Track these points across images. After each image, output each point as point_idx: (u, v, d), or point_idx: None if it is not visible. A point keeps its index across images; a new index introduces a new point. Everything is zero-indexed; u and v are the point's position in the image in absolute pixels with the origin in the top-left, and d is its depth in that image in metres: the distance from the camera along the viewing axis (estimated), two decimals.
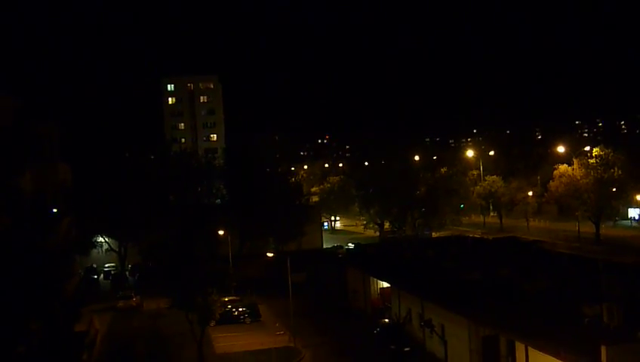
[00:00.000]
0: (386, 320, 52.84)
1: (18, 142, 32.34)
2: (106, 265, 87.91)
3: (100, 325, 59.31)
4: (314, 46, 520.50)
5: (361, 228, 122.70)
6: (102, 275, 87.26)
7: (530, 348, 34.68)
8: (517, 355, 37.44)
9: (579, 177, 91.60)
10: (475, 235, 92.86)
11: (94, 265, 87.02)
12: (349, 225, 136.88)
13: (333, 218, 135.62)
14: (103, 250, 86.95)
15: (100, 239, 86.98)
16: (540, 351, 32.86)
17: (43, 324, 18.02)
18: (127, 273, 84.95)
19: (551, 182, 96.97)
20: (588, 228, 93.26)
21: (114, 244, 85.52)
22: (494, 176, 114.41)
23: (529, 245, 71.95)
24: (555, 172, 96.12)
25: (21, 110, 37.76)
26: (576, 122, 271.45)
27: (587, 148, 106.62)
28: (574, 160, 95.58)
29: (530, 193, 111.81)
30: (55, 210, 44.45)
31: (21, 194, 18.33)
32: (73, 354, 41.17)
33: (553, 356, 31.35)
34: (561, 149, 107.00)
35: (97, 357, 48.57)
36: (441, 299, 44.42)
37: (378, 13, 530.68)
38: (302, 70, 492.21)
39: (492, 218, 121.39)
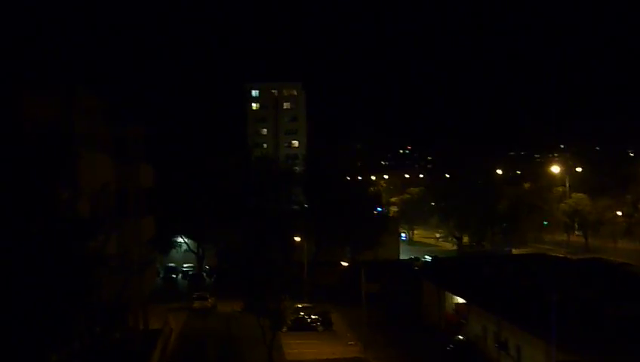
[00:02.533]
0: (460, 337, 51.47)
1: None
2: (185, 265, 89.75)
3: (175, 324, 60.40)
4: (400, 55, 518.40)
5: (440, 241, 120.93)
6: (180, 275, 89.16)
7: None
8: None
9: None
10: (558, 254, 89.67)
11: (173, 265, 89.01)
12: (427, 237, 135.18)
13: (409, 230, 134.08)
14: (182, 250, 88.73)
15: (180, 239, 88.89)
16: None
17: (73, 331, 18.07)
18: (204, 274, 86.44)
19: None
20: None
21: (192, 245, 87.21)
22: (581, 194, 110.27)
23: (616, 267, 68.80)
24: None
25: (107, 111, 38.93)
26: None
27: None
28: None
29: (619, 213, 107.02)
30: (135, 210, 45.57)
31: (56, 199, 18.60)
32: (146, 351, 42.18)
33: None
34: None
35: (170, 356, 49.35)
36: (518, 319, 42.86)
37: (467, 20, 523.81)
38: (387, 80, 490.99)
39: (577, 237, 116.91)
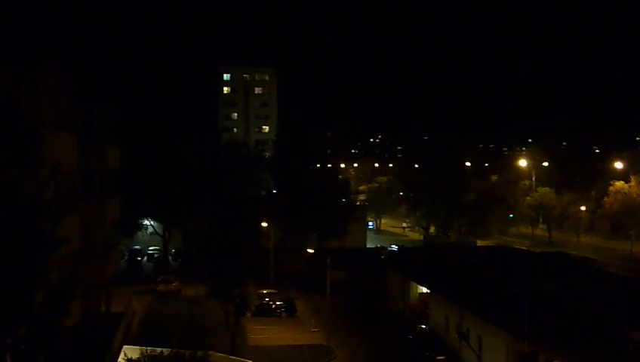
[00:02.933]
0: (423, 326, 51.93)
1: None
2: (150, 248, 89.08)
3: (138, 307, 59.93)
4: (373, 44, 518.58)
5: (407, 231, 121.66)
6: (145, 258, 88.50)
7: None
8: None
9: (635, 195, 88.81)
10: (522, 247, 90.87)
11: (139, 247, 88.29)
12: (395, 226, 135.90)
13: (377, 219, 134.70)
14: (148, 233, 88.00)
15: (146, 222, 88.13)
16: None
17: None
18: (169, 257, 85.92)
19: (605, 198, 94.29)
20: None
21: (159, 228, 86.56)
22: (546, 188, 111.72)
23: (578, 262, 69.94)
24: (610, 188, 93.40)
25: (73, 91, 38.18)
26: (637, 138, 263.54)
27: None
28: (632, 177, 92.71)
29: (583, 208, 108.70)
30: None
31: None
32: (107, 334, 41.76)
33: None
34: (618, 165, 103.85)
35: (132, 339, 48.90)
36: (480, 310, 43.37)
37: (441, 18, 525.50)
38: (360, 68, 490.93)
39: (541, 231, 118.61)
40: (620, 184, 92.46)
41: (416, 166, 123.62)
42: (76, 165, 39.29)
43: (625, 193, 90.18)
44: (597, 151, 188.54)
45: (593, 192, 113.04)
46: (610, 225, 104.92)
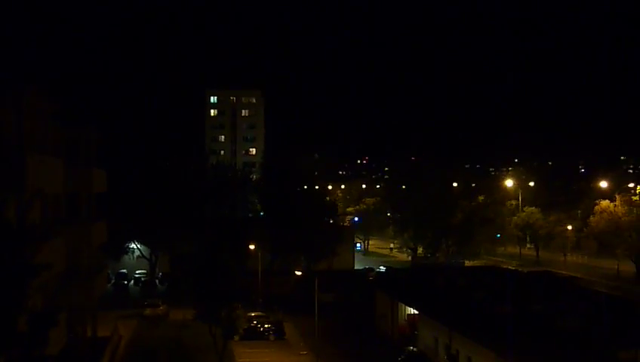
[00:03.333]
0: (412, 348, 51.66)
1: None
2: (137, 272, 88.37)
3: (124, 331, 59.31)
4: (360, 67, 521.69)
5: (395, 252, 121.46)
6: (132, 281, 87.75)
7: None
8: None
9: (620, 214, 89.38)
10: (510, 267, 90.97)
11: (125, 271, 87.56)
12: (382, 248, 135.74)
13: (365, 240, 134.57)
14: (135, 256, 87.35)
15: (133, 245, 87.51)
16: None
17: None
18: (157, 281, 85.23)
19: (591, 218, 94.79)
20: (628, 266, 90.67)
21: (145, 251, 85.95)
22: (533, 208, 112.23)
23: (565, 281, 70.04)
24: (596, 207, 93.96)
25: (59, 114, 38.03)
26: (622, 158, 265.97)
27: (631, 185, 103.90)
28: (617, 196, 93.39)
29: (569, 227, 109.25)
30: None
31: None
32: (93, 359, 41.26)
33: None
34: (603, 184, 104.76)
35: None
36: (469, 331, 43.23)
37: (425, 40, 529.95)
38: (346, 91, 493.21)
39: (528, 250, 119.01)
40: (605, 203, 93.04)
41: (404, 187, 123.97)
42: (62, 188, 39.04)
43: (610, 212, 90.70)
44: (582, 170, 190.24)
45: (579, 211, 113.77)
46: (596, 244, 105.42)
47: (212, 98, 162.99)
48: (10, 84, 30.72)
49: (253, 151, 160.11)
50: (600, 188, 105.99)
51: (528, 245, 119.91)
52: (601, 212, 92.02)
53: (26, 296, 17.68)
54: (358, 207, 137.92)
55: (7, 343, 17.30)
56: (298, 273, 68.39)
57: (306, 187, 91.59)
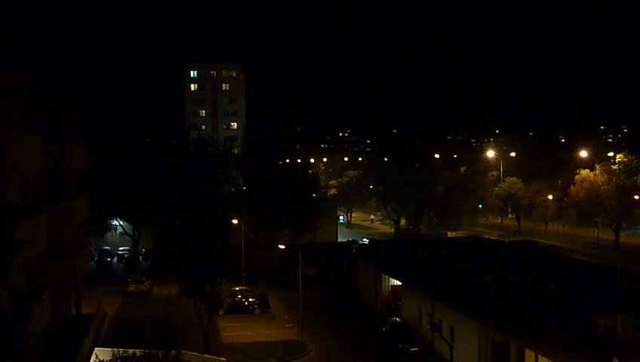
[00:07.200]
0: (395, 319, 52.20)
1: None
2: (120, 249, 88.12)
3: (109, 308, 59.29)
4: (342, 40, 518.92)
5: (377, 224, 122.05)
6: (115, 258, 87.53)
7: (540, 356, 33.87)
8: None
9: (600, 183, 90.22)
10: (492, 237, 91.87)
11: (108, 248, 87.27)
12: (365, 220, 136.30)
13: (347, 213, 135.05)
14: (117, 233, 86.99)
15: (115, 222, 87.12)
16: (550, 359, 32.06)
17: None
18: (140, 257, 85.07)
19: (572, 187, 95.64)
20: (607, 235, 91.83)
21: (128, 228, 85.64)
22: (514, 178, 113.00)
23: (546, 250, 70.86)
24: (576, 177, 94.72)
25: (38, 89, 37.50)
26: (601, 127, 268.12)
27: (611, 154, 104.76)
28: (597, 165, 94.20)
29: (550, 197, 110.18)
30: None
31: None
32: (78, 336, 41.21)
33: None
34: (584, 154, 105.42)
35: (103, 341, 48.39)
36: (452, 301, 43.70)
37: (407, 13, 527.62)
38: (328, 64, 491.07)
39: (510, 220, 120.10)
40: (585, 173, 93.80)
41: (386, 159, 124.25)
42: (42, 165, 38.62)
43: (590, 181, 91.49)
44: (562, 140, 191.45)
45: (560, 181, 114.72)
46: (576, 213, 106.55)
47: (192, 72, 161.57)
48: None
49: (234, 125, 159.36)
50: (580, 157, 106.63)
51: (510, 215, 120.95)
52: (581, 181, 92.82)
53: (7, 274, 17.56)
54: (340, 179, 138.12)
55: None
56: (281, 246, 68.53)
57: (287, 160, 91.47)
